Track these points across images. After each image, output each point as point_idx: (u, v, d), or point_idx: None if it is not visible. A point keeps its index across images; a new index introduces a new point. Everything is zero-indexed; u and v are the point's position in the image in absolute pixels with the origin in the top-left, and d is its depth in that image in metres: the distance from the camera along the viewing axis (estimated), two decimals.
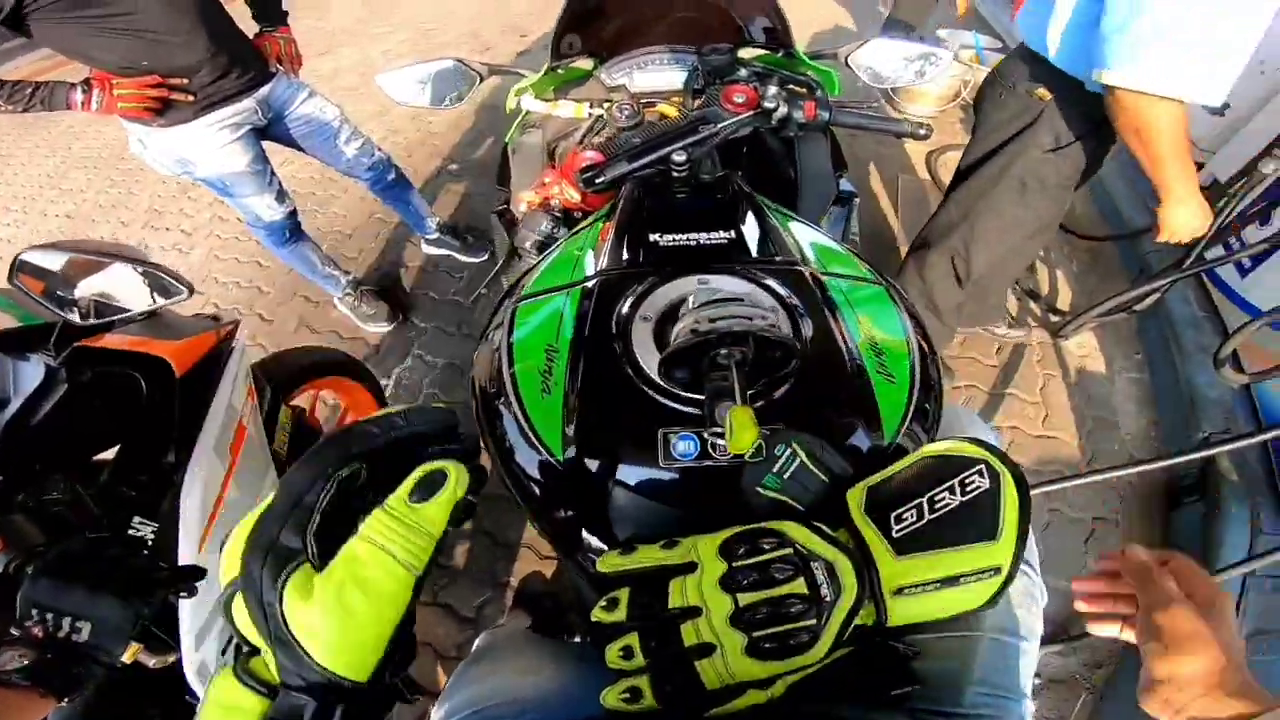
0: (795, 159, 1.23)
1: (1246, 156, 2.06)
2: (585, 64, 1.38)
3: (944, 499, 0.45)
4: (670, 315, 0.65)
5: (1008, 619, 0.60)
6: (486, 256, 2.53)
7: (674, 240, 0.74)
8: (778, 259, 0.73)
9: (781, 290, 0.68)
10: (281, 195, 1.91)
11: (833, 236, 0.85)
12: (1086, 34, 1.12)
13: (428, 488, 0.37)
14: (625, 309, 0.67)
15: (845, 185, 1.25)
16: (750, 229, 0.77)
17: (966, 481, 0.45)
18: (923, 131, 0.94)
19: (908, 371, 0.62)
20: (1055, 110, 1.30)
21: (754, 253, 0.74)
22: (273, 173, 1.88)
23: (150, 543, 0.84)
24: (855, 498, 0.49)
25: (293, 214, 1.98)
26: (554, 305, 0.70)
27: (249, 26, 1.78)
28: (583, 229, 0.85)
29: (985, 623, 0.59)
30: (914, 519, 0.45)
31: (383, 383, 2.10)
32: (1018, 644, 0.60)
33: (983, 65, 3.56)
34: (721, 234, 0.75)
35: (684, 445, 0.56)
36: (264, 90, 1.72)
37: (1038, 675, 1.45)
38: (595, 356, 0.63)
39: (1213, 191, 1.55)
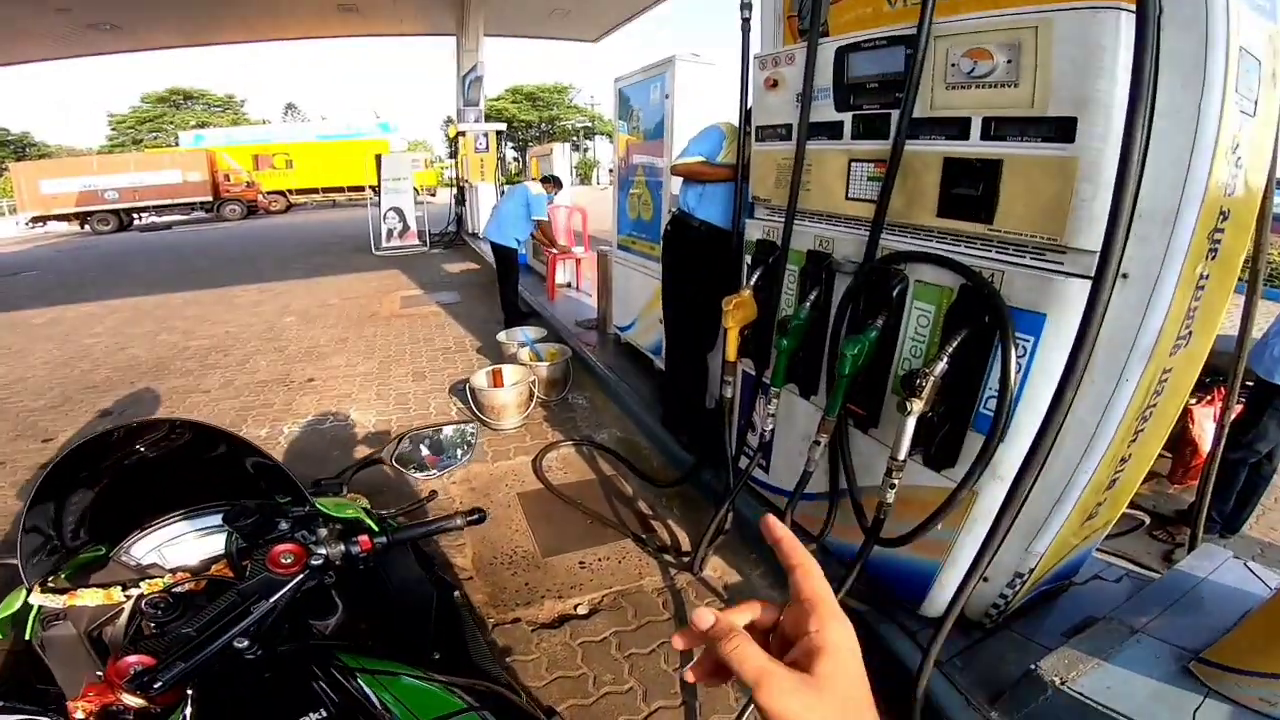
0: (383, 574, 1.26)
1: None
2: (94, 550, 1.24)
3: None
4: None
5: None
6: None
7: None
8: None
9: None
10: None
11: (448, 640, 0.92)
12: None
13: None
14: None
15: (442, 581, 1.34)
16: (340, 699, 0.81)
17: None
18: (475, 517, 1.12)
19: None
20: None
21: None
22: None
23: None
24: None
25: None
26: None
27: None
28: None
29: None
30: None
31: None
32: None
33: (540, 359, 4.50)
34: (313, 717, 0.77)
35: None
36: None
37: None
38: None
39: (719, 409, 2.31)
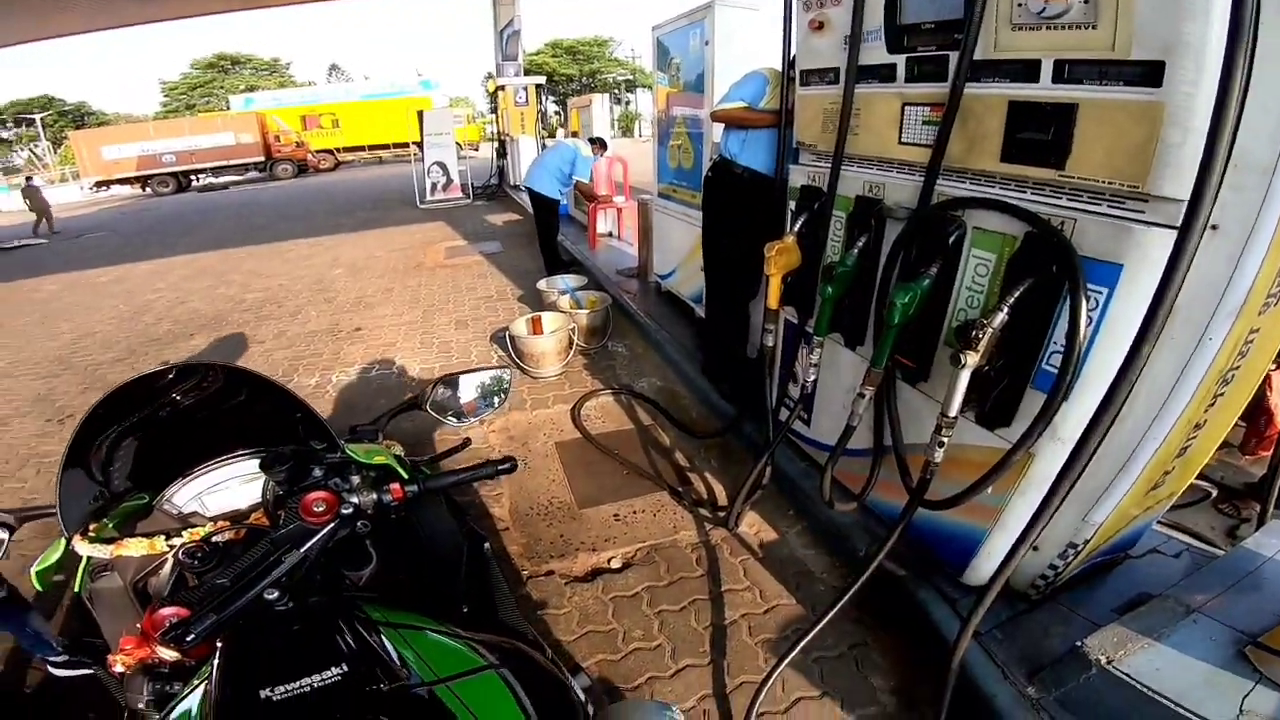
0: (415, 524, 1.28)
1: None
2: (138, 498, 1.27)
3: None
4: None
5: None
6: None
7: (286, 692, 0.75)
8: (388, 686, 0.77)
9: None
10: None
11: (477, 594, 0.92)
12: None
13: None
14: None
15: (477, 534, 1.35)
16: (361, 652, 0.81)
17: None
18: (505, 466, 1.10)
19: None
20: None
21: (365, 682, 0.77)
22: None
23: None
24: None
25: None
26: None
27: None
28: (195, 688, 0.82)
29: None
30: None
31: None
32: None
33: (580, 307, 4.49)
34: (334, 670, 0.78)
35: None
36: None
37: None
38: None
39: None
